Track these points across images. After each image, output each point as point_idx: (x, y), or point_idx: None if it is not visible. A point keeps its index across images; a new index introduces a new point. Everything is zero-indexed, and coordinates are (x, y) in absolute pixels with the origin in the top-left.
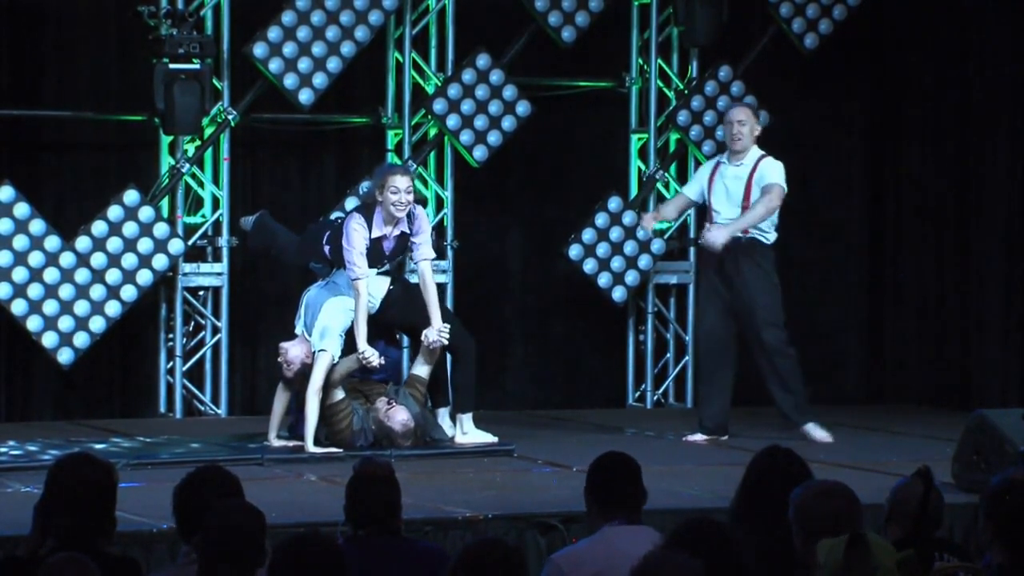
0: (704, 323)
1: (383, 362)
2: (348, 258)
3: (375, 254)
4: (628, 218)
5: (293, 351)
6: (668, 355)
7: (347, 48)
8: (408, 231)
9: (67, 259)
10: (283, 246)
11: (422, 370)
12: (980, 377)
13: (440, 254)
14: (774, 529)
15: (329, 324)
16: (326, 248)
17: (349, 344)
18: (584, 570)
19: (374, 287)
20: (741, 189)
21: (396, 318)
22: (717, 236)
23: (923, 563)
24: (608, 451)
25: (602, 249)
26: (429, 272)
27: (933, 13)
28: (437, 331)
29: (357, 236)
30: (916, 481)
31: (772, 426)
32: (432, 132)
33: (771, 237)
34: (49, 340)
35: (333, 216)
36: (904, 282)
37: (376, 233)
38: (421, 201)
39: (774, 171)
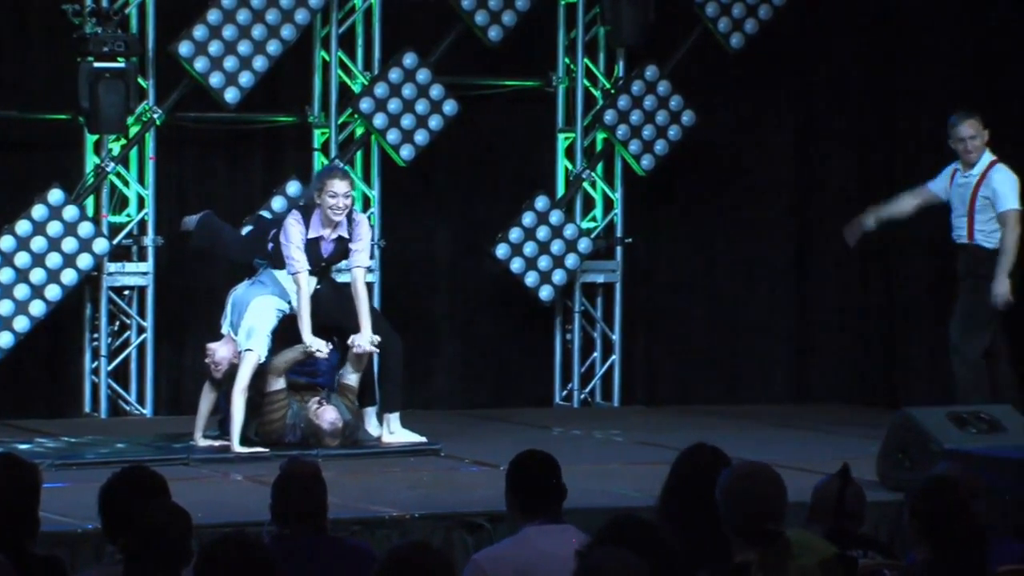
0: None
1: (331, 348)
2: (286, 252)
3: (312, 256)
4: (555, 217)
5: (220, 352)
6: (595, 354)
7: (273, 47)
8: (347, 236)
9: None
10: (228, 243)
11: (352, 378)
12: (905, 376)
13: None
14: (700, 526)
15: (255, 324)
16: (270, 246)
17: (277, 344)
18: (506, 569)
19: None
20: (968, 196)
21: (325, 318)
22: (1003, 290)
23: (845, 564)
24: (526, 450)
25: (529, 248)
26: (362, 280)
27: (858, 13)
28: (364, 337)
29: (294, 231)
30: (835, 478)
31: (701, 425)
32: (359, 131)
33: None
34: None
35: (262, 214)
36: (830, 280)
37: (313, 234)
38: None
39: (1006, 190)
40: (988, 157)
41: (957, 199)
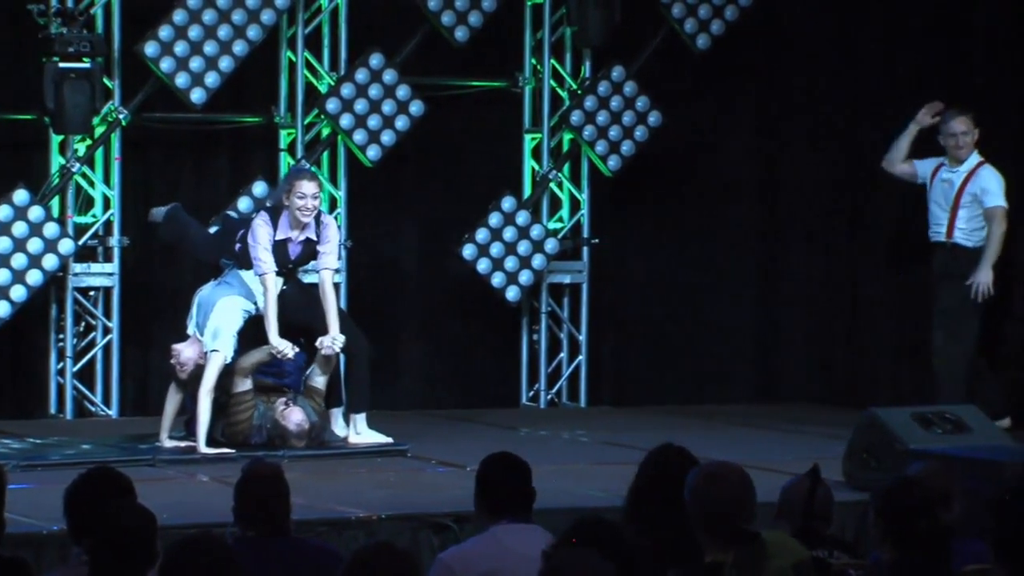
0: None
1: (297, 350)
2: (253, 253)
3: (280, 257)
4: (522, 218)
5: (186, 352)
6: (562, 355)
7: (239, 47)
8: (315, 238)
9: None
10: (195, 239)
11: (319, 380)
12: (871, 376)
13: None
14: (667, 526)
15: (221, 324)
16: (237, 246)
17: (243, 344)
18: (473, 569)
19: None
20: (953, 192)
21: (292, 318)
22: (987, 279)
23: (819, 567)
24: (497, 451)
25: (496, 249)
26: (329, 282)
27: (823, 14)
28: (332, 339)
29: (262, 232)
30: (805, 479)
31: (667, 425)
32: (325, 132)
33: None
34: None
35: (229, 213)
36: (796, 280)
37: (281, 235)
38: None
39: (995, 187)
40: (976, 157)
41: (939, 194)
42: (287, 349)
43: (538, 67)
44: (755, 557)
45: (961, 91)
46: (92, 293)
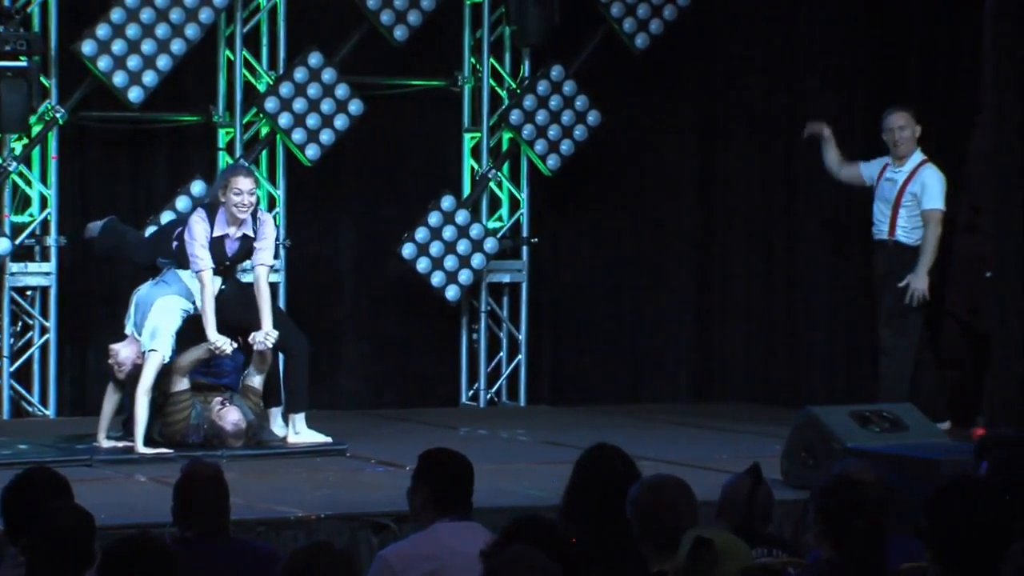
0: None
1: (236, 346)
2: (190, 251)
3: (217, 254)
4: (461, 217)
5: (124, 352)
6: (501, 354)
7: (177, 46)
8: (252, 235)
9: None
10: (132, 245)
11: (255, 380)
12: (809, 374)
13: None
14: (602, 525)
15: (159, 324)
16: (174, 244)
17: (181, 344)
18: (415, 566)
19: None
20: (896, 191)
21: (230, 318)
22: (922, 285)
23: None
24: (440, 447)
25: (435, 248)
26: (264, 278)
27: (762, 13)
28: (264, 334)
29: (198, 229)
30: (745, 477)
31: (605, 424)
32: (264, 130)
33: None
34: None
35: (166, 220)
36: (734, 280)
37: (218, 232)
38: None
39: (935, 188)
40: (919, 156)
41: (883, 193)
42: (225, 345)
43: (477, 66)
44: (707, 563)
45: (905, 88)
46: (29, 293)
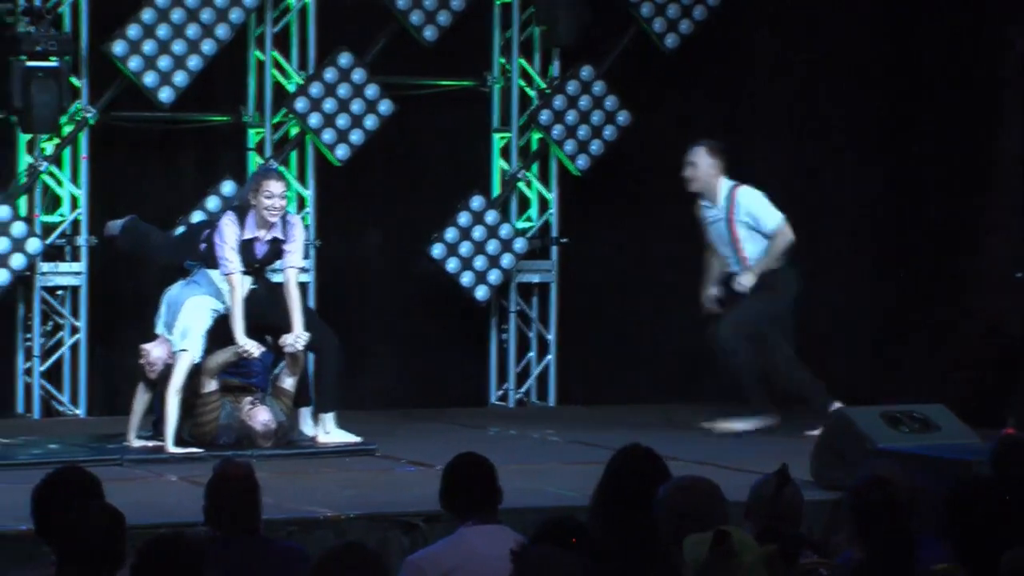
0: None
1: (264, 348)
2: (220, 253)
3: (246, 256)
4: (490, 217)
5: (155, 352)
6: (531, 354)
7: (208, 46)
8: (281, 237)
9: None
10: (157, 245)
11: (288, 382)
12: (840, 376)
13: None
14: (634, 526)
15: (190, 324)
16: (202, 246)
17: (212, 344)
18: (441, 570)
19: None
20: (725, 228)
21: (260, 318)
22: (748, 282)
23: (786, 558)
24: (461, 453)
25: (464, 248)
26: (294, 280)
27: (791, 13)
28: (295, 337)
29: (229, 231)
30: (773, 478)
31: (636, 424)
32: (293, 131)
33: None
34: None
35: (196, 220)
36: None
37: (248, 235)
38: None
39: (762, 212)
40: (727, 183)
41: (716, 237)
42: (253, 348)
43: (507, 66)
44: (727, 556)
45: (921, 88)
46: (60, 292)
